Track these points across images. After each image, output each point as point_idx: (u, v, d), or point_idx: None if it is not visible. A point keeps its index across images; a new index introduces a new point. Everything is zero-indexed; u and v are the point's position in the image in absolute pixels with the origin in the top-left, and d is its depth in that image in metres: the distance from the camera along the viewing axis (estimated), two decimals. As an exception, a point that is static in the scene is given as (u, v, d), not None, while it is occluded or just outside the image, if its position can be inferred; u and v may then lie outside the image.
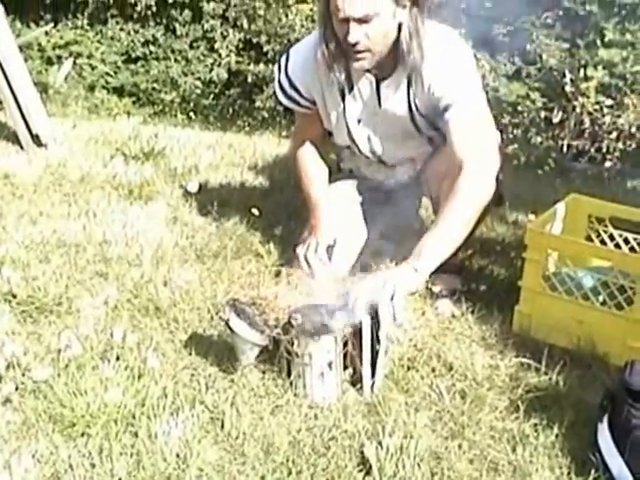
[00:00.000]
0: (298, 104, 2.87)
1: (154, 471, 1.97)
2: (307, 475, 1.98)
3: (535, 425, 2.20)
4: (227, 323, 2.28)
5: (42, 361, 2.39)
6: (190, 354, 2.46)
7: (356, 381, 2.33)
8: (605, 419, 2.05)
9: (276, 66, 2.90)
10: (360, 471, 2.02)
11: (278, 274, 2.72)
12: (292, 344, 2.26)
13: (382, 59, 2.60)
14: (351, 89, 2.74)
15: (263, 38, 7.26)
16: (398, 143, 2.85)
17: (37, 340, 2.52)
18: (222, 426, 2.14)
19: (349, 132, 2.84)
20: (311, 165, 2.96)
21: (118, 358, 2.39)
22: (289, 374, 2.31)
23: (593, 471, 2.01)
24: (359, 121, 2.81)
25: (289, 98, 2.86)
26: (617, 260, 2.58)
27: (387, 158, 2.91)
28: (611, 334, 2.50)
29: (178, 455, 2.03)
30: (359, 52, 2.54)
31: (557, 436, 2.14)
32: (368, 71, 2.68)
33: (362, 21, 2.47)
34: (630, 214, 2.90)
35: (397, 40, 2.56)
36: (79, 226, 3.35)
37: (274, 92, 3.04)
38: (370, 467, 2.00)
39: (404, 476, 1.98)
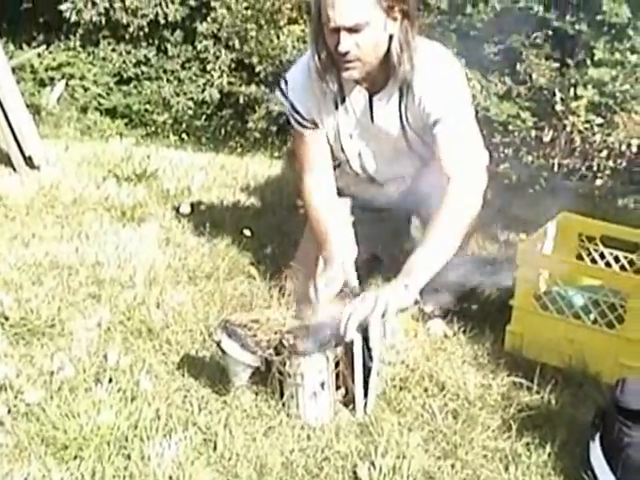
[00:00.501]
0: (304, 126, 2.84)
1: (147, 494, 1.97)
2: (300, 496, 1.99)
3: (527, 444, 2.20)
4: (219, 344, 2.28)
5: (35, 383, 2.39)
6: (183, 376, 2.46)
7: (349, 402, 2.34)
8: (597, 437, 2.06)
9: (278, 93, 2.90)
10: (353, 492, 2.02)
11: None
12: (284, 364, 2.27)
13: (373, 71, 2.62)
14: (343, 101, 2.75)
15: (255, 59, 7.28)
16: (389, 160, 2.86)
17: (30, 362, 2.52)
18: (215, 447, 2.15)
19: (342, 147, 2.85)
20: (321, 201, 2.86)
21: (111, 380, 2.39)
22: (282, 395, 2.32)
23: (585, 490, 2.02)
24: (351, 136, 2.81)
25: (296, 122, 2.84)
26: (608, 279, 2.59)
27: (377, 175, 2.91)
28: (602, 352, 2.51)
29: (171, 477, 2.03)
30: (349, 62, 2.55)
31: (549, 455, 2.15)
32: (358, 83, 2.69)
33: (352, 30, 2.49)
34: (620, 233, 2.91)
35: (388, 52, 2.59)
36: (72, 248, 3.36)
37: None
38: (363, 488, 2.01)
39: (397, 496, 1.99)
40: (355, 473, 2.06)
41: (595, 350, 2.52)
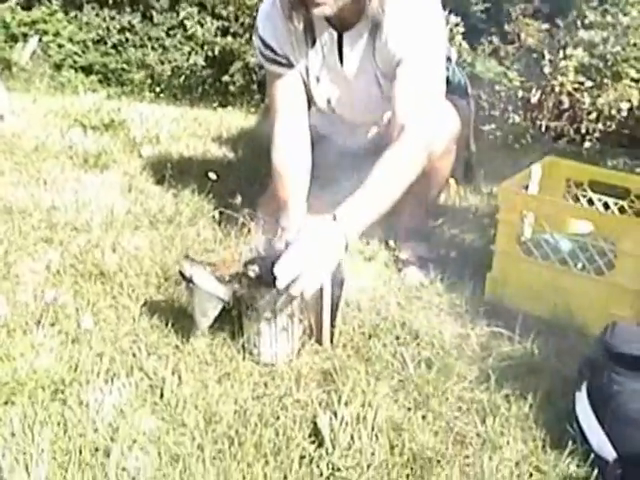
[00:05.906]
0: (278, 63, 2.64)
1: (82, 441, 1.77)
2: (250, 446, 1.78)
3: (507, 396, 2.01)
4: (191, 280, 2.05)
5: (-29, 327, 2.19)
6: (133, 320, 2.26)
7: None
8: (584, 387, 1.87)
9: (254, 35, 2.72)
10: (312, 442, 1.82)
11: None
12: (254, 298, 2.06)
13: (345, 7, 2.41)
14: (313, 42, 2.56)
15: (231, 8, 7.11)
16: (360, 107, 2.69)
17: (-32, 306, 2.32)
18: (162, 394, 1.94)
19: (309, 89, 2.67)
20: (286, 146, 2.70)
21: (53, 324, 2.19)
22: (244, 334, 2.12)
23: (570, 443, 1.82)
24: (318, 79, 2.63)
25: (268, 59, 2.64)
26: (597, 221, 2.39)
27: (348, 117, 2.74)
28: (590, 301, 2.31)
29: (110, 424, 1.83)
30: None
31: (531, 407, 1.95)
32: (328, 21, 2.50)
33: None
34: (610, 177, 2.72)
35: None
36: (27, 193, 3.15)
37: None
38: (322, 438, 1.81)
39: (360, 448, 1.79)
40: (315, 423, 1.86)
41: (582, 298, 2.32)
